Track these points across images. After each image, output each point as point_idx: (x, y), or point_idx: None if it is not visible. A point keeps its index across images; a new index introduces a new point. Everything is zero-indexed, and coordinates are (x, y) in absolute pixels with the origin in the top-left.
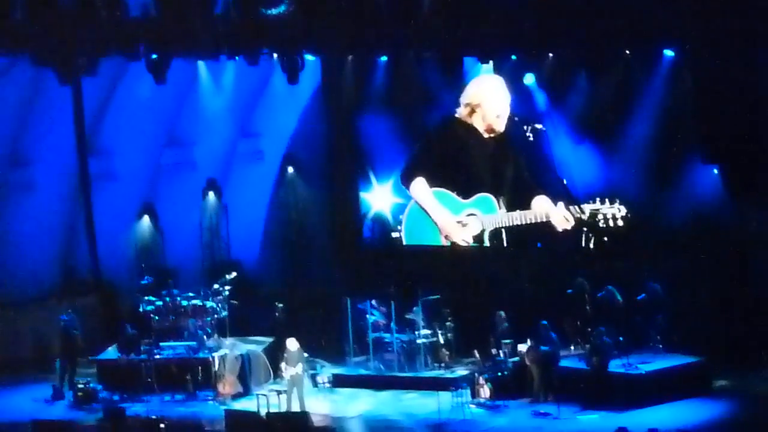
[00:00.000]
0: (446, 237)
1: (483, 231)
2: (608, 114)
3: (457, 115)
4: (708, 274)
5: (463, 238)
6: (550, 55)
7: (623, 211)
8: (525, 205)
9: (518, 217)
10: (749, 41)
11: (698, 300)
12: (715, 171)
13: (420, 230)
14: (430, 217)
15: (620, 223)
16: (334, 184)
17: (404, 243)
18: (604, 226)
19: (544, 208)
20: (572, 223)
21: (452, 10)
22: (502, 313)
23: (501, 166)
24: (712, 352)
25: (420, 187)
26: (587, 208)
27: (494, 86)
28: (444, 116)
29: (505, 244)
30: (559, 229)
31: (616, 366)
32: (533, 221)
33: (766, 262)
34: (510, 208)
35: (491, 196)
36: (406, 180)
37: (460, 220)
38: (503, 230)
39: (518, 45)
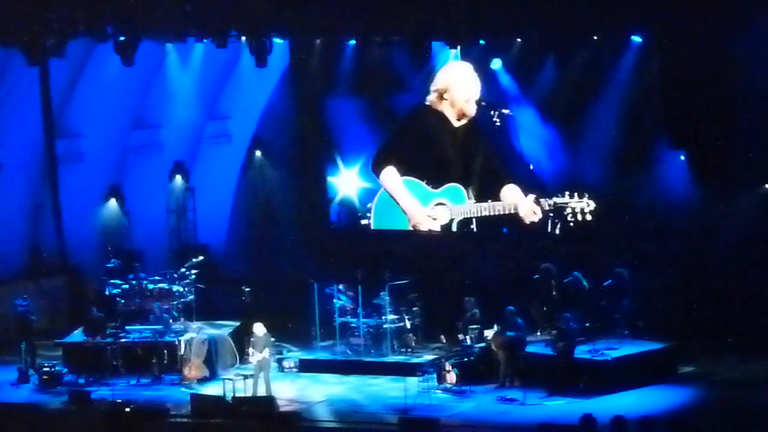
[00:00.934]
0: (414, 226)
1: (452, 220)
2: (576, 99)
3: (427, 103)
4: (674, 260)
5: (432, 227)
6: (518, 40)
7: (592, 205)
8: (494, 195)
9: (487, 208)
10: (716, 28)
11: (664, 286)
12: (682, 157)
13: (389, 218)
14: (399, 205)
15: (588, 217)
16: (302, 168)
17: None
18: (572, 219)
19: (513, 200)
20: (540, 216)
21: None
22: (472, 299)
23: (470, 155)
24: (678, 338)
25: (390, 175)
26: (556, 201)
27: (462, 71)
28: (414, 104)
29: (475, 233)
30: (527, 221)
31: (582, 352)
32: (501, 212)
33: (732, 248)
34: (479, 197)
35: (460, 186)
36: (376, 168)
37: (430, 209)
38: (472, 220)
39: (486, 30)
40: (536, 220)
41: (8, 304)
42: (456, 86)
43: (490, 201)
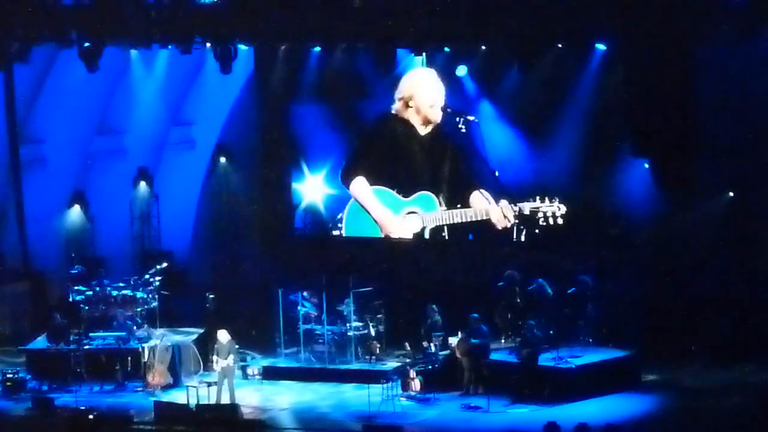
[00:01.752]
0: (387, 235)
1: (424, 228)
2: (540, 106)
3: (392, 111)
4: (638, 267)
5: (404, 236)
6: (483, 47)
7: (563, 209)
8: (464, 201)
9: (458, 215)
10: (680, 36)
11: (628, 293)
12: (646, 165)
13: (360, 228)
14: (370, 215)
15: (560, 221)
16: (266, 174)
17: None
18: (544, 224)
19: (484, 206)
20: (512, 221)
21: (385, 1)
22: (434, 306)
23: (438, 162)
24: (642, 345)
25: (360, 186)
26: (527, 206)
27: (426, 77)
28: (379, 113)
29: (447, 241)
30: (499, 227)
31: (546, 359)
32: (473, 219)
33: (695, 255)
34: (449, 204)
35: (431, 194)
36: (346, 179)
37: (402, 217)
38: (444, 227)
39: (451, 37)
40: (508, 225)
41: None
42: (420, 92)
43: (460, 207)
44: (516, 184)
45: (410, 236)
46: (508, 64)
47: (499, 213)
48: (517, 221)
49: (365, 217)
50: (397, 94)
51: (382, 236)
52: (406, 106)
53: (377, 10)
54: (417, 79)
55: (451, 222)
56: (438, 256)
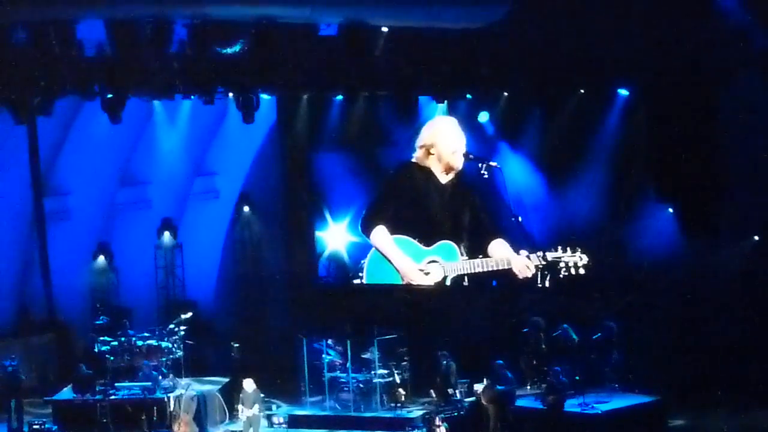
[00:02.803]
0: (408, 284)
1: (445, 277)
2: (562, 151)
3: (413, 160)
4: (663, 312)
5: (426, 284)
6: (505, 93)
7: (585, 259)
8: (485, 250)
9: (480, 264)
10: (703, 80)
11: (653, 339)
12: (670, 210)
13: (382, 276)
14: (392, 264)
15: (582, 271)
16: (290, 223)
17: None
18: (566, 274)
19: (505, 255)
20: (533, 271)
21: (406, 50)
22: (445, 352)
23: (459, 210)
24: (668, 391)
25: (381, 235)
26: (549, 255)
27: (447, 125)
28: (400, 162)
29: (469, 290)
30: (520, 276)
31: (572, 405)
32: (495, 268)
33: (721, 300)
34: (471, 253)
35: (453, 243)
36: (366, 228)
37: (423, 267)
38: (465, 276)
39: (472, 84)
40: (530, 275)
41: None
42: (442, 139)
43: (481, 257)
44: (539, 230)
45: (432, 284)
46: (530, 110)
47: (521, 263)
48: (541, 268)
49: (387, 266)
50: (419, 142)
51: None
52: (428, 153)
53: (399, 59)
54: (438, 127)
55: (473, 271)
56: (462, 302)
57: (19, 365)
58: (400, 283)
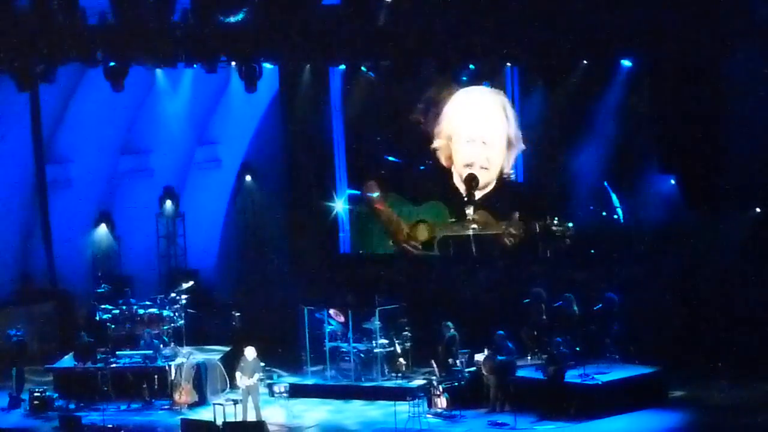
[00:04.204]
0: (394, 242)
1: (434, 237)
2: (565, 122)
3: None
4: (664, 284)
5: (413, 243)
6: (508, 64)
7: (570, 229)
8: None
9: (467, 227)
10: (706, 51)
11: (654, 310)
12: (672, 181)
13: (367, 235)
14: (381, 221)
15: (567, 241)
16: (292, 192)
17: (351, 247)
18: (552, 242)
19: (489, 219)
20: (520, 236)
21: (409, 20)
22: (449, 323)
23: (451, 172)
24: (669, 362)
25: (373, 191)
26: (536, 224)
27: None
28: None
29: (452, 252)
30: (506, 240)
31: (572, 376)
32: (481, 232)
33: (722, 271)
34: (459, 215)
35: (442, 204)
36: (360, 185)
37: (410, 226)
38: (451, 239)
39: (475, 54)
40: (515, 240)
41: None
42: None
43: (471, 217)
44: (541, 200)
45: (419, 245)
46: (533, 81)
47: (508, 228)
48: (526, 238)
49: (373, 225)
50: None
51: (391, 243)
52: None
53: (402, 29)
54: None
55: (461, 234)
56: (464, 273)
57: (24, 335)
58: (386, 241)
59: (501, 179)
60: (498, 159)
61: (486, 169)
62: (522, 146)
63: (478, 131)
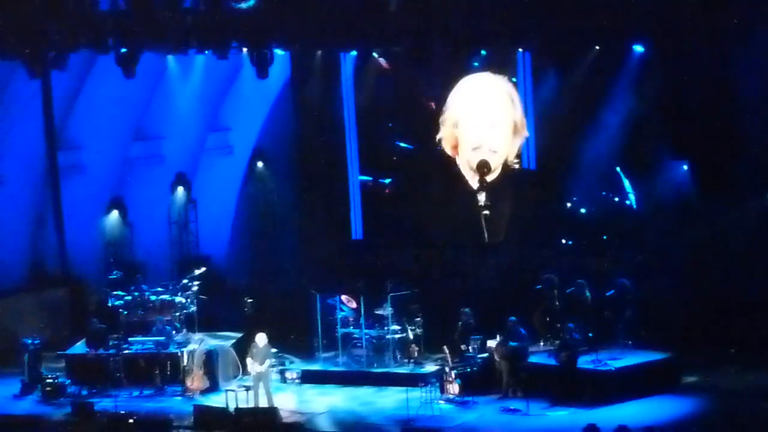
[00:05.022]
0: None
1: None
2: (577, 109)
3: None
4: (677, 269)
5: None
6: (520, 50)
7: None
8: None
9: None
10: (719, 36)
11: (667, 296)
12: (685, 166)
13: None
14: None
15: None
16: (303, 178)
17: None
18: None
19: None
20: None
21: (421, 6)
22: (468, 310)
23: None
24: (681, 348)
25: None
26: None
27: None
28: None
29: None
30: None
31: (585, 362)
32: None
33: (736, 257)
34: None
35: None
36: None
37: None
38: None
39: (487, 40)
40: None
41: (11, 317)
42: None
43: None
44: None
45: None
46: (545, 67)
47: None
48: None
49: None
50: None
51: None
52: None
53: (413, 14)
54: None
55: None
56: (476, 258)
57: (41, 343)
58: None
59: (506, 167)
60: (505, 143)
61: (494, 152)
62: (526, 133)
63: (485, 114)
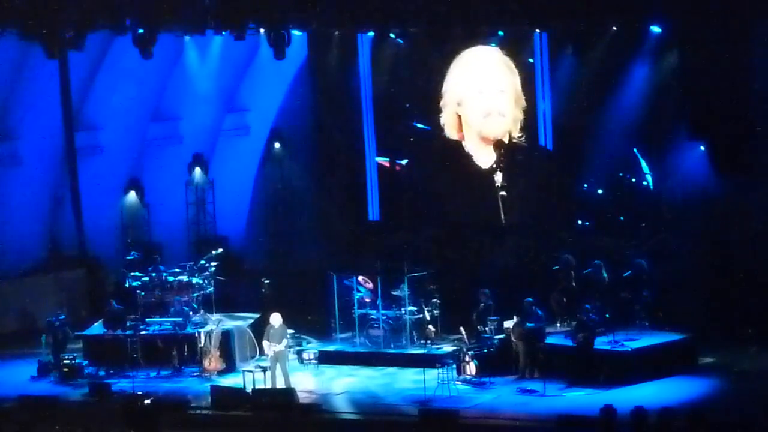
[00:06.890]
0: None
1: None
2: (595, 89)
3: None
4: (694, 250)
5: None
6: (537, 30)
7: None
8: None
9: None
10: (736, 17)
11: (684, 277)
12: (702, 147)
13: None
14: None
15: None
16: (320, 159)
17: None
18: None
19: None
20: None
21: None
22: (487, 291)
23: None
24: (698, 328)
25: None
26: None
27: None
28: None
29: None
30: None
31: (602, 343)
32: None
33: (752, 238)
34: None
35: None
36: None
37: None
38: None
39: (504, 21)
40: None
41: (30, 297)
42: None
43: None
44: (571, 165)
45: None
46: (562, 47)
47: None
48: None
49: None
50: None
51: None
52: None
53: None
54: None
55: None
56: (493, 239)
57: (65, 319)
58: None
59: (510, 140)
60: (511, 108)
61: (503, 116)
62: (524, 104)
63: (490, 80)
